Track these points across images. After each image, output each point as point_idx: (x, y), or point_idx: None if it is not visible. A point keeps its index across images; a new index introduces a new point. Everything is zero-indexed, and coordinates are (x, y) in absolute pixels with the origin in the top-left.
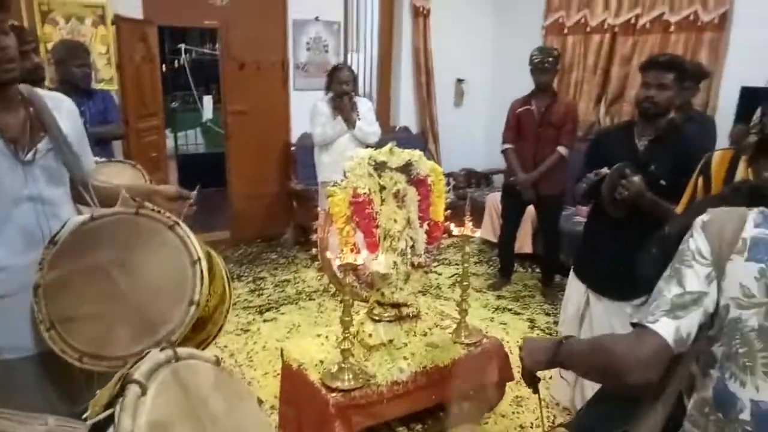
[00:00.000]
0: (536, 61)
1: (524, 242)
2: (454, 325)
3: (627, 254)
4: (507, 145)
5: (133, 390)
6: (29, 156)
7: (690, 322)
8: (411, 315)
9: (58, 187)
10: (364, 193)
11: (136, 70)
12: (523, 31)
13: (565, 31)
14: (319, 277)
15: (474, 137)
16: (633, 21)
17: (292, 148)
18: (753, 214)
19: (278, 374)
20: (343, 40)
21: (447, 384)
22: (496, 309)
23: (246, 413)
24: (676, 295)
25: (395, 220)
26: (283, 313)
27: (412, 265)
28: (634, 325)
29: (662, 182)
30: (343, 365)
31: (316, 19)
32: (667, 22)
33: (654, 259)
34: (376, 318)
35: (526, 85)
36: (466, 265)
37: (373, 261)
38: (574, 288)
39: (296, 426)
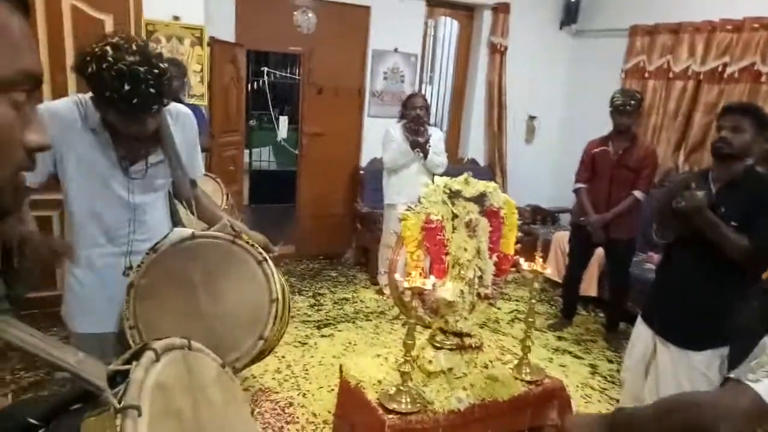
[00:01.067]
0: (618, 103)
1: (590, 285)
2: (516, 361)
3: (698, 302)
4: (580, 185)
5: (148, 354)
6: (139, 168)
7: None
8: (473, 346)
9: (154, 193)
10: (437, 220)
11: (224, 88)
12: (600, 73)
13: (646, 74)
14: (385, 297)
15: (542, 174)
16: (720, 69)
17: (361, 172)
18: None
19: (333, 389)
20: (419, 72)
21: (503, 420)
22: (556, 350)
23: (239, 412)
24: None
25: (465, 249)
26: (340, 330)
27: (479, 295)
28: (727, 379)
29: (733, 223)
30: (401, 388)
31: (395, 50)
32: (758, 72)
33: (753, 310)
34: (438, 345)
35: (598, 125)
36: (533, 301)
37: (441, 288)
38: (641, 334)
39: None
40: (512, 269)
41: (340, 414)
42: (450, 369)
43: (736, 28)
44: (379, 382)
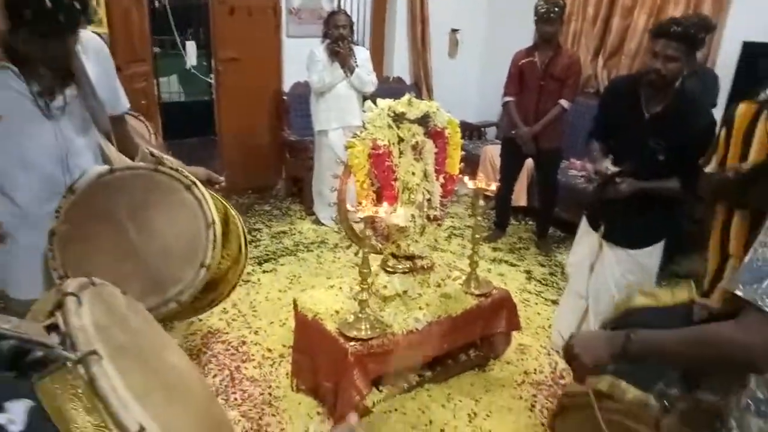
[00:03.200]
0: (542, 11)
1: (519, 195)
2: (464, 277)
3: (642, 207)
4: (508, 98)
5: (71, 300)
6: (58, 105)
7: None
8: (425, 267)
9: (84, 136)
10: (384, 145)
11: (124, 11)
12: None
13: None
14: (334, 228)
15: (467, 89)
16: None
17: (285, 98)
18: None
19: (284, 323)
20: None
21: (458, 333)
22: (493, 260)
23: (157, 330)
24: None
25: (413, 173)
26: (282, 264)
27: (428, 218)
28: (739, 299)
29: (660, 158)
30: (360, 315)
31: None
32: None
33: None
34: (391, 270)
35: (521, 36)
36: (479, 218)
37: (392, 214)
38: (586, 236)
39: (311, 373)
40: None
41: (298, 347)
42: (405, 291)
43: None
44: (337, 312)
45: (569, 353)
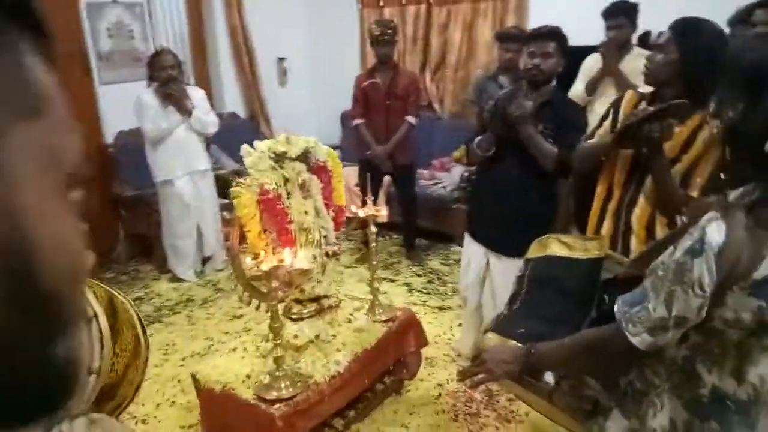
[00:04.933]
0: (377, 33)
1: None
2: (366, 306)
3: (521, 212)
4: (358, 121)
5: None
6: None
7: (667, 339)
8: (333, 306)
9: None
10: (273, 189)
11: None
12: (338, 10)
13: (381, 3)
14: (201, 283)
15: (302, 116)
16: None
17: (110, 150)
18: None
19: (173, 402)
20: (150, 23)
21: (376, 364)
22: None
23: None
24: (660, 318)
25: (306, 212)
26: (150, 335)
27: (327, 254)
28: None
29: (549, 140)
30: (277, 373)
31: (114, 0)
32: None
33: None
34: (297, 317)
35: (346, 59)
36: (374, 244)
37: (295, 259)
38: (473, 252)
39: None
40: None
41: (210, 426)
42: (317, 336)
43: None
44: (248, 376)
45: (480, 366)
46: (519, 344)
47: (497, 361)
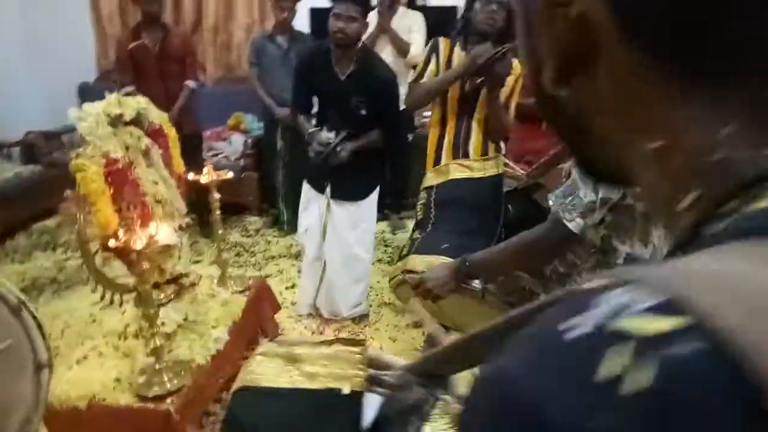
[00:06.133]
0: None
1: None
2: (216, 279)
3: (356, 161)
4: (129, 88)
5: None
6: None
7: (594, 219)
8: (194, 283)
9: None
10: (121, 157)
11: None
12: None
13: None
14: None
15: (18, 97)
16: None
17: None
18: None
19: None
20: None
21: (245, 336)
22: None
23: None
24: (590, 201)
25: (155, 182)
26: None
27: (180, 227)
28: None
29: (363, 112)
30: (157, 367)
31: None
32: None
33: None
34: (158, 303)
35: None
36: (218, 212)
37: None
38: (313, 201)
39: None
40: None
41: None
42: (185, 319)
43: None
44: (118, 380)
45: (421, 285)
46: (448, 258)
47: (436, 277)
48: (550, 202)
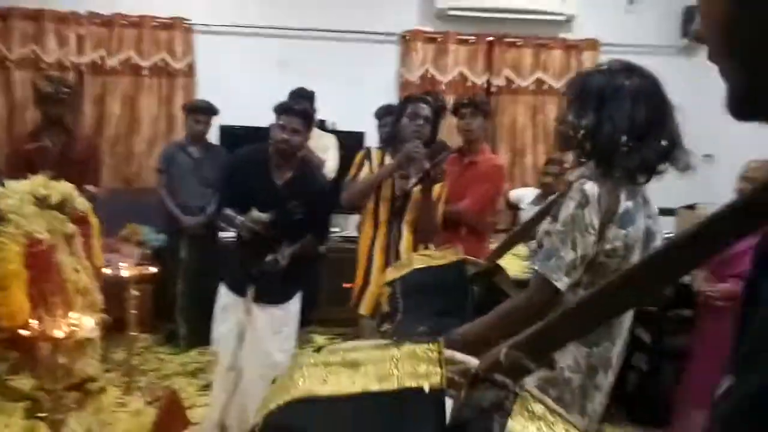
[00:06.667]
0: (48, 90)
1: None
2: (123, 386)
3: (288, 264)
4: None
5: None
6: None
7: (577, 275)
8: (102, 389)
9: None
10: (45, 239)
11: None
12: None
13: (8, 64)
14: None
15: None
16: (100, 62)
17: None
18: (623, 190)
19: None
20: None
21: None
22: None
23: None
24: (572, 260)
25: (78, 270)
26: None
27: (96, 323)
28: (535, 270)
29: (299, 217)
30: None
31: None
32: (138, 66)
33: None
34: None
35: None
36: (133, 311)
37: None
38: (231, 306)
39: None
40: None
41: None
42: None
43: (106, 23)
44: None
45: None
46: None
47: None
48: (535, 266)
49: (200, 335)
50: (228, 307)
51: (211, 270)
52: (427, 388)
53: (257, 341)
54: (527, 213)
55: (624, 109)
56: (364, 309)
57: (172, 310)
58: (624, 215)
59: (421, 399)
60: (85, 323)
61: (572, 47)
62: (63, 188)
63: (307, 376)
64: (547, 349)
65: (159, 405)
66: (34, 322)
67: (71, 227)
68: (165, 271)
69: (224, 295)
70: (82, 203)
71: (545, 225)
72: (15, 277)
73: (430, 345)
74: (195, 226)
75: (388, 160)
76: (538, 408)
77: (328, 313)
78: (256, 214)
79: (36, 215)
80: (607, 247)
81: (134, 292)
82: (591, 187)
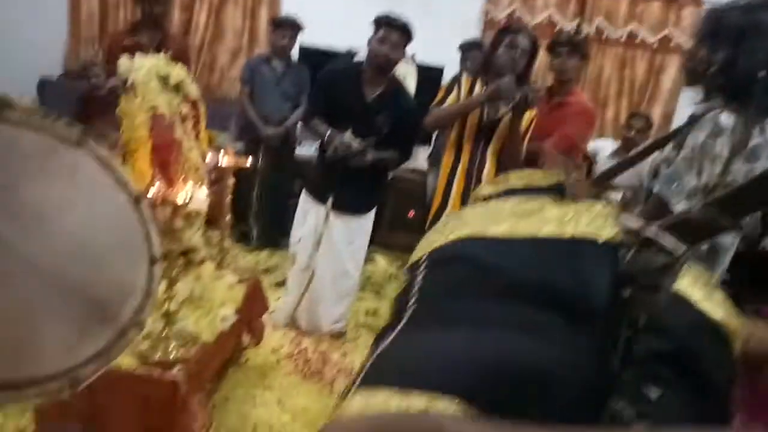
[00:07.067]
0: None
1: None
2: (217, 260)
3: (364, 176)
4: (114, 81)
5: None
6: None
7: (694, 204)
8: (203, 260)
9: None
10: (167, 115)
11: None
12: None
13: None
14: None
15: None
16: None
17: None
18: (756, 126)
19: None
20: None
21: (244, 323)
22: None
23: None
24: (694, 186)
25: (191, 148)
26: None
27: None
28: (652, 191)
29: (385, 132)
30: (164, 334)
31: None
32: None
33: None
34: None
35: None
36: (229, 197)
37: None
38: (312, 211)
39: None
40: None
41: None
42: (191, 294)
43: None
44: None
45: None
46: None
47: None
48: (655, 189)
49: (270, 238)
50: (308, 212)
51: (285, 180)
52: (601, 240)
53: (332, 248)
54: (604, 166)
55: (764, 45)
56: None
57: (245, 212)
58: (753, 151)
59: (595, 248)
60: (199, 195)
61: (673, 1)
62: (180, 71)
63: (474, 219)
64: (741, 210)
65: (247, 285)
66: (154, 188)
67: (186, 108)
68: (241, 177)
69: (305, 201)
70: (194, 89)
71: (665, 152)
72: (142, 144)
73: (606, 204)
74: (274, 137)
75: (477, 89)
76: (702, 274)
77: (389, 237)
78: (349, 136)
79: (159, 91)
80: (729, 179)
81: (231, 180)
82: (726, 119)
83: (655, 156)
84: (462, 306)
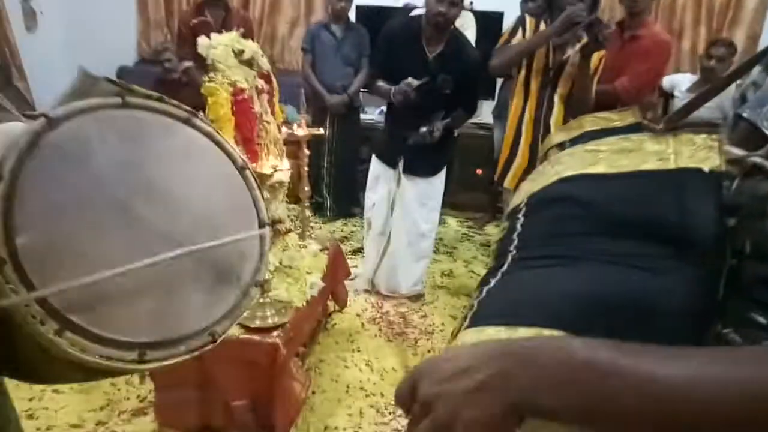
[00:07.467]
0: None
1: None
2: (299, 230)
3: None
4: (187, 63)
5: None
6: None
7: None
8: (289, 230)
9: None
10: (247, 89)
11: None
12: None
13: None
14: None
15: (55, 67)
16: None
17: None
18: None
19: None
20: None
21: (328, 291)
22: None
23: None
24: None
25: (268, 122)
26: None
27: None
28: (741, 117)
29: (447, 91)
30: (261, 301)
31: None
32: None
33: None
34: None
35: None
36: (306, 168)
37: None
38: (382, 174)
39: (194, 411)
40: None
41: (170, 383)
42: (280, 262)
43: None
44: None
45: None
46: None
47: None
48: (745, 114)
49: (343, 208)
50: (379, 177)
51: (354, 148)
52: (706, 169)
53: (406, 211)
54: (681, 102)
55: None
56: (508, 183)
57: (317, 184)
58: None
59: (700, 178)
60: (281, 167)
61: None
62: (252, 46)
63: (571, 162)
64: None
65: (328, 253)
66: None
67: (261, 82)
68: (312, 148)
69: (376, 166)
70: (266, 63)
71: (752, 76)
72: (226, 121)
73: (710, 134)
74: (338, 105)
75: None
76: None
77: (458, 197)
78: (409, 79)
79: (236, 66)
80: None
81: (306, 151)
82: None
83: (741, 82)
84: (565, 245)
